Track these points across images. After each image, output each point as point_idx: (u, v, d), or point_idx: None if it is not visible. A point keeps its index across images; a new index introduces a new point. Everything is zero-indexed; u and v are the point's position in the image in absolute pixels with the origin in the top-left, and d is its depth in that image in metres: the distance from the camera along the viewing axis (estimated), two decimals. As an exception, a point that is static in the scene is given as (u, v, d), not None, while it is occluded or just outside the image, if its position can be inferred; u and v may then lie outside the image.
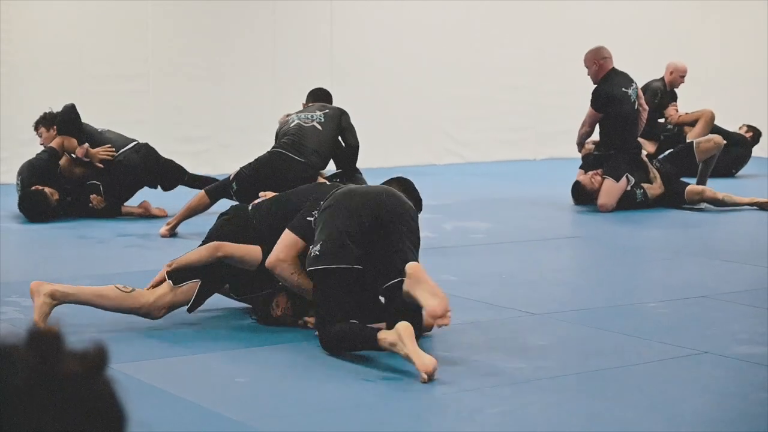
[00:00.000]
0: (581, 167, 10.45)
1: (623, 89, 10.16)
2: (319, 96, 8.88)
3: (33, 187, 9.07)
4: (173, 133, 12.21)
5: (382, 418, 4.26)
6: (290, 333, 5.45)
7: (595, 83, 10.25)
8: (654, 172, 10.33)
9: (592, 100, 10.20)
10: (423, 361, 4.60)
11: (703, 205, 10.28)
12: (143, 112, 12.10)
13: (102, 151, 9.25)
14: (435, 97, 13.86)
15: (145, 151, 9.47)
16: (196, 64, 12.44)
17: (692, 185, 10.37)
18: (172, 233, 8.36)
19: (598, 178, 10.09)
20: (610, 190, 10.02)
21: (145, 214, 9.39)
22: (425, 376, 4.57)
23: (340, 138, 8.43)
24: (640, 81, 10.82)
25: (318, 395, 4.49)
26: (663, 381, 4.79)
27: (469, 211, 9.97)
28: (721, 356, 5.14)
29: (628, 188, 10.09)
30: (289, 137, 8.32)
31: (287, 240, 5.38)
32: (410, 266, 4.91)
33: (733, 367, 5.00)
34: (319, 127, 8.33)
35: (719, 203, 10.20)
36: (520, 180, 12.52)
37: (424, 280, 4.83)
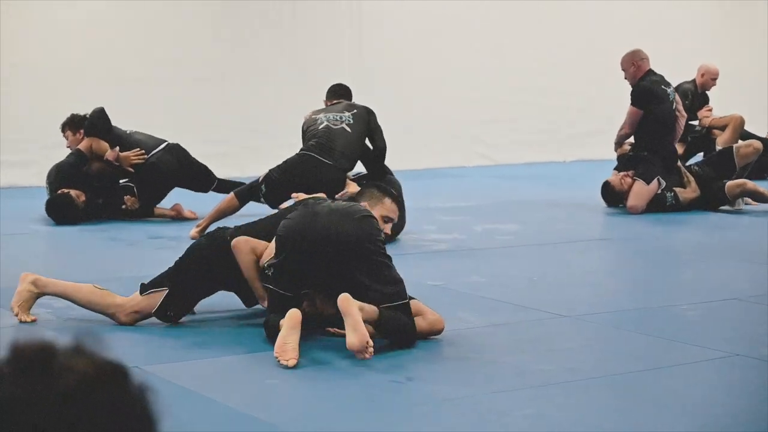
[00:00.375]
0: (616, 168, 10.41)
1: (663, 87, 10.15)
2: (341, 93, 8.89)
3: (60, 191, 9.11)
4: (200, 135, 12.24)
5: (409, 419, 4.26)
6: (317, 335, 5.45)
7: (632, 85, 10.21)
8: (688, 177, 10.27)
9: (632, 98, 10.13)
10: (281, 347, 4.86)
11: (742, 205, 10.22)
12: (170, 114, 12.12)
13: (133, 155, 9.27)
14: (463, 100, 13.84)
15: (177, 151, 9.50)
16: (222, 66, 12.46)
17: (732, 180, 10.30)
18: (201, 235, 8.38)
19: (629, 179, 10.04)
20: (640, 192, 9.98)
21: (177, 217, 9.42)
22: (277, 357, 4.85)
23: (367, 139, 8.44)
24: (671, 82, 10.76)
25: (347, 396, 4.49)
26: (694, 384, 4.77)
27: (498, 213, 9.95)
28: (752, 359, 5.11)
29: (659, 191, 10.04)
30: (317, 139, 8.32)
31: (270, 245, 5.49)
32: (340, 299, 4.98)
33: (765, 369, 4.97)
34: (348, 129, 8.34)
35: (760, 197, 10.15)
36: (549, 182, 12.49)
37: (349, 314, 4.90)
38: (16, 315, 5.65)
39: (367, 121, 8.43)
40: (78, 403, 1.34)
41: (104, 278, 6.72)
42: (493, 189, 11.69)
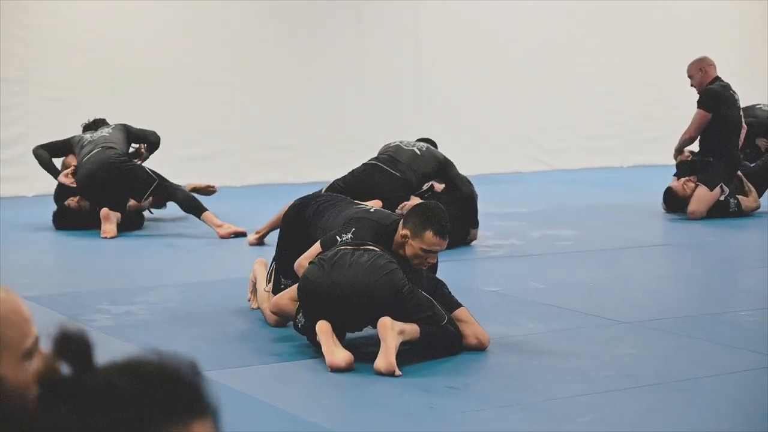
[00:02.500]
0: (675, 175, 10.30)
1: (731, 92, 10.07)
2: (425, 140, 8.96)
3: (62, 203, 9.24)
4: (259, 142, 12.30)
5: (467, 426, 4.23)
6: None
7: (699, 91, 10.11)
8: (749, 186, 10.17)
9: (701, 101, 10.00)
10: (332, 357, 4.90)
11: None
12: (229, 121, 12.19)
13: (65, 179, 9.22)
14: (521, 105, 13.80)
15: (99, 155, 9.10)
16: (282, 72, 12.50)
17: None
18: (260, 242, 8.40)
19: (691, 184, 9.95)
20: (702, 197, 9.88)
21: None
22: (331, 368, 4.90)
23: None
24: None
25: (404, 402, 4.48)
26: (754, 390, 4.71)
27: (556, 218, 9.90)
28: (816, 365, 5.04)
29: (722, 198, 9.93)
30: (386, 154, 8.49)
31: (315, 250, 5.47)
32: (379, 324, 4.98)
33: (829, 376, 4.89)
34: (418, 152, 8.47)
35: None
36: (607, 187, 12.41)
37: (384, 340, 4.93)
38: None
39: (440, 164, 8.48)
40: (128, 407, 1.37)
41: (164, 284, 6.77)
42: (550, 194, 11.64)
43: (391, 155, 8.41)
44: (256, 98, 12.37)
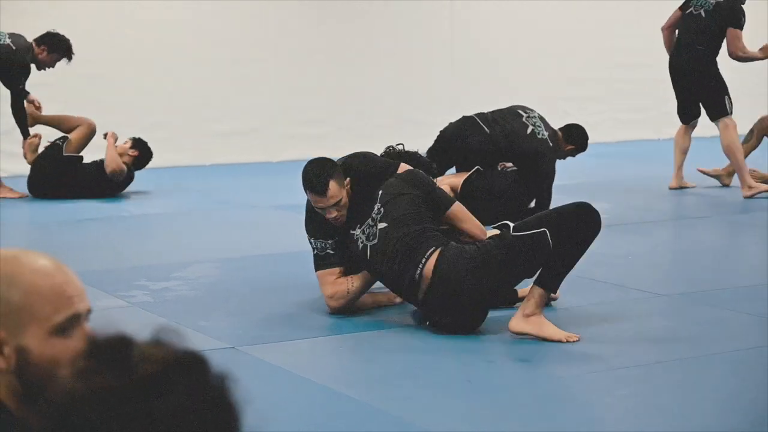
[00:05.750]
0: None
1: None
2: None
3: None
4: (295, 117, 12.31)
5: (511, 400, 4.24)
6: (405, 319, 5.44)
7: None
8: None
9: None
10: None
11: None
12: (264, 96, 12.20)
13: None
14: (555, 78, 13.72)
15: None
16: (317, 49, 12.49)
17: None
18: None
19: None
20: None
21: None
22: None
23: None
24: None
25: (444, 375, 4.48)
26: (796, 363, 4.68)
27: (591, 191, 9.83)
28: None
29: None
30: (487, 114, 8.18)
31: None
32: (511, 326, 5.00)
33: None
34: (528, 125, 8.07)
35: None
36: (643, 160, 12.34)
37: (529, 332, 4.99)
38: None
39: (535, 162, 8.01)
40: (156, 391, 1.35)
41: (199, 259, 6.80)
42: (585, 168, 11.57)
43: (490, 116, 8.12)
44: (291, 74, 12.37)
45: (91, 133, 9.53)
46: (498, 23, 13.39)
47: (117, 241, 7.79)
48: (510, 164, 8.16)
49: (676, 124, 10.13)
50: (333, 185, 5.20)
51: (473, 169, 8.05)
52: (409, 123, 12.25)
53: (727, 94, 9.51)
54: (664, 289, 6.02)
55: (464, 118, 8.21)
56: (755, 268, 6.78)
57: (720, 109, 9.46)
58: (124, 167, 9.38)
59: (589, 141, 8.59)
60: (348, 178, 5.32)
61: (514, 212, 8.03)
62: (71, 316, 1.96)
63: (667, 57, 9.88)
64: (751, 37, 14.29)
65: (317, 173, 5.21)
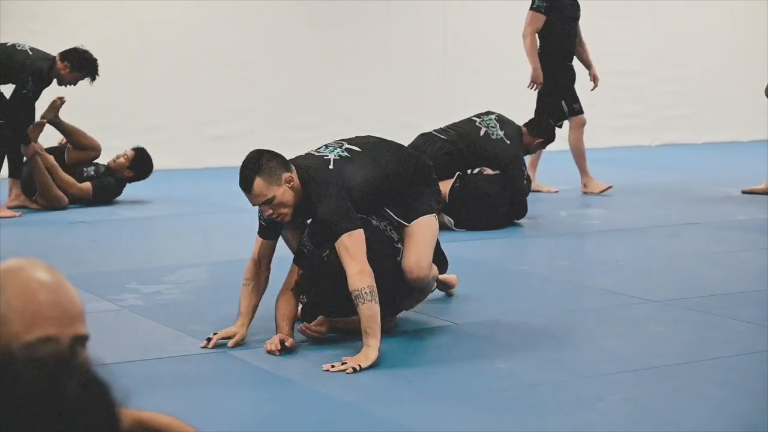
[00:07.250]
0: None
1: None
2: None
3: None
4: (287, 121, 12.31)
5: (503, 405, 4.23)
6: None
7: None
8: None
9: None
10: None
11: None
12: (256, 99, 12.20)
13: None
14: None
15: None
16: (308, 52, 12.49)
17: None
18: None
19: None
20: None
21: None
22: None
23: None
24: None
25: (436, 383, 4.47)
26: (787, 369, 4.68)
27: (583, 197, 9.87)
28: None
29: None
30: (441, 127, 8.46)
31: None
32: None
33: None
34: (493, 136, 8.34)
35: None
36: (635, 166, 12.36)
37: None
38: None
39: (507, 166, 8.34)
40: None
41: (195, 263, 6.78)
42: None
43: (451, 125, 8.43)
44: (284, 78, 12.37)
45: (95, 157, 9.51)
46: (491, 28, 13.40)
47: (108, 244, 7.78)
48: (488, 169, 8.29)
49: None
50: (259, 183, 4.85)
51: (455, 176, 8.14)
52: (400, 127, 12.25)
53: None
54: (654, 295, 6.02)
55: (420, 135, 8.43)
56: (747, 274, 6.79)
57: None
58: (65, 200, 9.20)
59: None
60: (290, 173, 4.97)
61: (503, 212, 8.07)
62: (42, 339, 1.90)
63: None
64: (751, 37, 14.46)
65: (242, 170, 4.91)
